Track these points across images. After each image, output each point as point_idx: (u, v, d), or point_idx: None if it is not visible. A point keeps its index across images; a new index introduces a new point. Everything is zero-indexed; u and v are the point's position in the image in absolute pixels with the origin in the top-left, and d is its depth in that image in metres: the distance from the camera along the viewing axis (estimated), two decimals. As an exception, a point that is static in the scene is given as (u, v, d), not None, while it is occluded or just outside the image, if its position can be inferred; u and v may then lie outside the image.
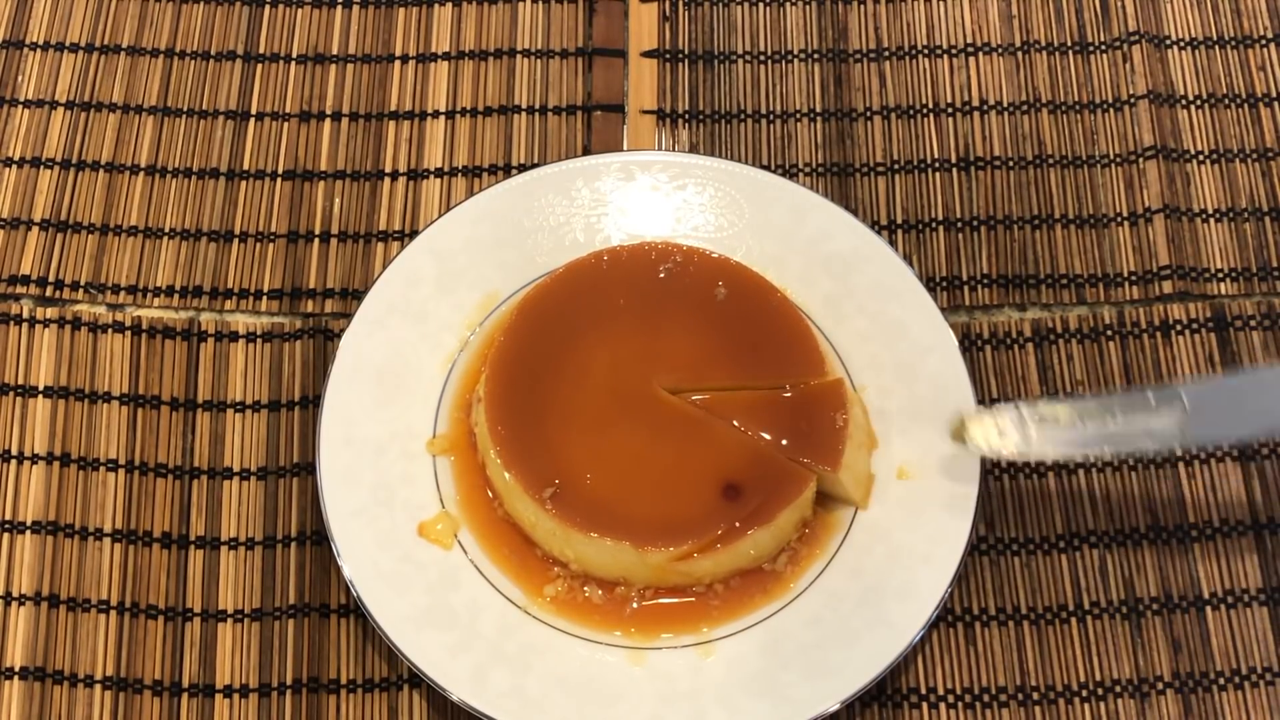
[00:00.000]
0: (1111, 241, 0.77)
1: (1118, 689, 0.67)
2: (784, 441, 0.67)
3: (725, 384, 0.69)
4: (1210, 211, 0.77)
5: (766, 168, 0.78)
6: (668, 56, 0.82)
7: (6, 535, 0.70)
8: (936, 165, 0.79)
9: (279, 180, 0.79)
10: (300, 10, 0.84)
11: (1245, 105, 0.80)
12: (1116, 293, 0.75)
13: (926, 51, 0.82)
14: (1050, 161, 0.79)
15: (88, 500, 0.71)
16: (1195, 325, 0.74)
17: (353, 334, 0.71)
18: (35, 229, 0.77)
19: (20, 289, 0.76)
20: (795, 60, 0.82)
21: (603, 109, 0.81)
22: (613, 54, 0.82)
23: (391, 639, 0.64)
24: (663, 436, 0.68)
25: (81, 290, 0.76)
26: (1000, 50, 0.82)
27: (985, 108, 0.80)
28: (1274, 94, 0.81)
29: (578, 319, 0.70)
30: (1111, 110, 0.80)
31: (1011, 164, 0.79)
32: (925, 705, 0.66)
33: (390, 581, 0.66)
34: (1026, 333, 0.74)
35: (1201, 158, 0.79)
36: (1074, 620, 0.68)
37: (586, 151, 0.79)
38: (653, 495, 0.66)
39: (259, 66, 0.82)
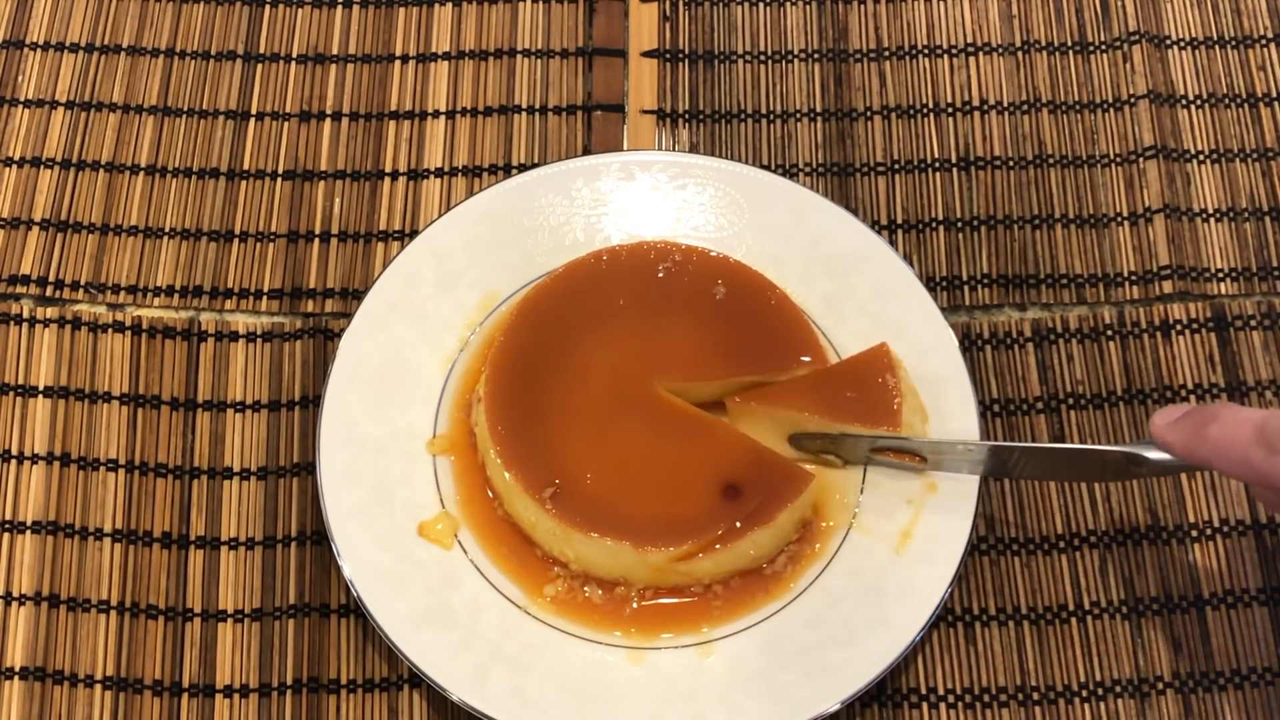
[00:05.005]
0: (1111, 241, 0.77)
1: (1118, 689, 0.67)
2: (835, 412, 0.67)
3: (726, 379, 0.69)
4: (1210, 211, 0.77)
5: (766, 168, 0.78)
6: (668, 56, 0.82)
7: (6, 535, 0.70)
8: (936, 165, 0.79)
9: (279, 180, 0.79)
10: (300, 10, 0.84)
11: (1245, 105, 0.80)
12: (1116, 293, 0.75)
13: (926, 51, 0.82)
14: (1050, 161, 0.79)
15: (88, 500, 0.71)
16: (1195, 325, 0.74)
17: (353, 334, 0.71)
18: (35, 229, 0.77)
19: (20, 289, 0.76)
20: (795, 60, 0.82)
21: (603, 109, 0.81)
22: (613, 54, 0.82)
23: (391, 639, 0.64)
24: (663, 436, 0.68)
25: (81, 290, 0.76)
26: (1000, 50, 0.82)
27: (985, 108, 0.80)
28: (1274, 94, 0.80)
29: (578, 319, 0.70)
30: (1111, 110, 0.80)
31: (1011, 164, 0.79)
32: (925, 705, 0.66)
33: (390, 581, 0.66)
34: (1026, 333, 0.74)
35: (1201, 157, 0.79)
36: (1074, 620, 0.68)
37: (586, 151, 0.79)
38: (653, 495, 0.66)
39: (259, 66, 0.82)
